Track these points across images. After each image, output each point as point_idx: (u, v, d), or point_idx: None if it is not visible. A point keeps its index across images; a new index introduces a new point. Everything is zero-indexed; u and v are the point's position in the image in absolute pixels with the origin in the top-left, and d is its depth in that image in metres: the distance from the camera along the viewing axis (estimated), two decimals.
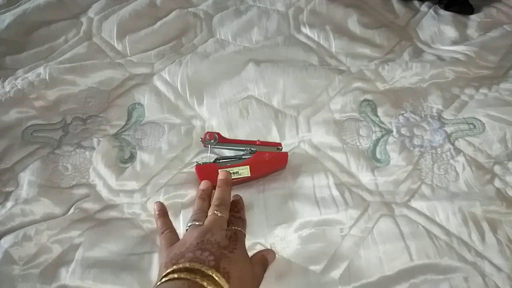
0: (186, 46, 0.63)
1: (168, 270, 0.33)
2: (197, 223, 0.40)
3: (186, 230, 0.40)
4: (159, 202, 0.46)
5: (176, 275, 0.32)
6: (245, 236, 0.41)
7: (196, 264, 0.33)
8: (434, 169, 0.48)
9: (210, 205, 0.43)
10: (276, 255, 0.42)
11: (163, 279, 0.33)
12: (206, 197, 0.44)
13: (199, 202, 0.43)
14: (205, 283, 0.32)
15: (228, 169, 0.46)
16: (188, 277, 0.32)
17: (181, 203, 0.46)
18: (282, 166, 0.48)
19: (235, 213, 0.43)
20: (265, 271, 0.40)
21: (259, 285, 0.38)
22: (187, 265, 0.33)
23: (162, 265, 0.36)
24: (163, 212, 0.45)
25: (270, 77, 0.57)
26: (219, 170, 0.46)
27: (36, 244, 0.42)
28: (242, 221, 0.42)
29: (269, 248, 0.43)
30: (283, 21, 0.66)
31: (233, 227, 0.40)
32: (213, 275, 0.32)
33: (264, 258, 0.40)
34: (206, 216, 0.41)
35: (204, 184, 0.45)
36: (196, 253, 0.35)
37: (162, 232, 0.42)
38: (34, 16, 0.66)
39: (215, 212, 0.40)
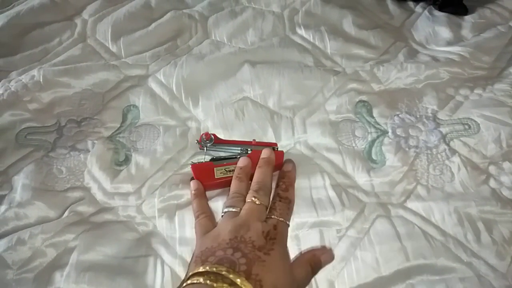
0: (181, 48, 0.63)
1: (195, 271, 0.31)
2: (232, 210, 0.36)
3: (222, 216, 0.37)
4: (196, 181, 0.42)
5: (201, 279, 0.30)
6: (288, 227, 0.36)
7: (223, 269, 0.30)
8: (430, 170, 0.48)
9: (248, 187, 0.38)
10: None
11: (189, 281, 0.31)
12: (244, 177, 0.39)
13: (236, 183, 0.39)
14: None
15: (224, 168, 0.45)
16: (215, 284, 0.29)
17: (176, 205, 0.46)
18: (278, 165, 0.48)
19: (282, 191, 0.38)
20: (314, 274, 0.35)
21: None
22: (214, 269, 0.30)
23: (192, 259, 0.34)
24: (199, 192, 0.41)
25: (266, 78, 0.57)
26: (263, 150, 0.42)
27: (30, 248, 0.42)
28: (287, 206, 0.37)
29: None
30: (278, 22, 0.66)
31: (274, 217, 0.36)
32: (242, 285, 0.29)
33: (315, 259, 0.36)
34: (244, 200, 0.37)
35: (242, 161, 0.41)
36: (227, 252, 0.32)
37: (198, 217, 0.38)
38: (27, 18, 0.66)
39: (253, 199, 0.36)
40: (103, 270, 0.41)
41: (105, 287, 0.40)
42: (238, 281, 0.29)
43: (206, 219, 0.38)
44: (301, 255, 0.36)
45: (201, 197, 0.41)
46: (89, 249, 0.42)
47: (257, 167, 0.40)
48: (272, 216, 0.36)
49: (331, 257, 0.37)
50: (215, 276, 0.30)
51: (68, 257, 0.42)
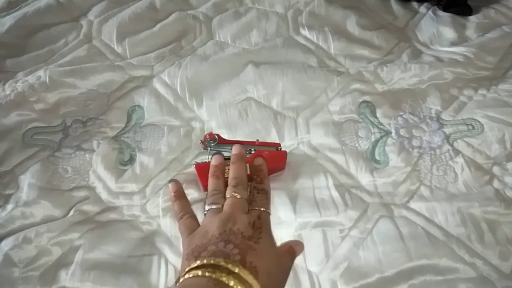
0: (185, 49, 0.64)
1: (192, 266, 0.31)
2: (215, 206, 0.38)
3: (205, 214, 0.38)
4: (175, 182, 0.43)
5: (200, 272, 0.30)
6: (270, 215, 0.38)
7: (221, 260, 0.31)
8: (433, 170, 0.48)
9: (225, 184, 0.40)
10: None
11: (186, 275, 0.31)
12: (220, 174, 0.41)
13: (213, 181, 0.40)
14: (231, 283, 0.29)
15: (227, 167, 0.45)
16: (213, 275, 0.30)
17: None
18: (282, 165, 0.48)
19: (258, 184, 0.40)
20: (292, 263, 0.37)
21: (287, 278, 0.36)
22: (212, 261, 0.31)
23: (183, 257, 0.34)
24: (179, 194, 0.42)
25: (269, 78, 0.57)
26: (233, 146, 0.44)
27: (36, 246, 0.42)
28: (265, 196, 0.39)
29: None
30: (282, 23, 0.66)
31: (256, 208, 0.37)
32: (240, 273, 0.30)
33: (292, 250, 0.38)
34: (224, 197, 0.38)
35: (216, 159, 0.42)
36: (219, 246, 0.33)
37: (181, 218, 0.39)
38: (34, 19, 0.66)
39: (233, 194, 0.38)
40: (107, 269, 0.41)
41: (109, 286, 0.40)
42: (237, 269, 0.30)
43: (190, 219, 0.39)
44: (281, 247, 0.38)
45: (182, 198, 0.42)
46: (94, 248, 0.43)
47: (230, 163, 0.41)
48: (254, 208, 0.38)
49: (302, 248, 0.39)
50: (213, 268, 0.30)
51: (73, 255, 0.42)
